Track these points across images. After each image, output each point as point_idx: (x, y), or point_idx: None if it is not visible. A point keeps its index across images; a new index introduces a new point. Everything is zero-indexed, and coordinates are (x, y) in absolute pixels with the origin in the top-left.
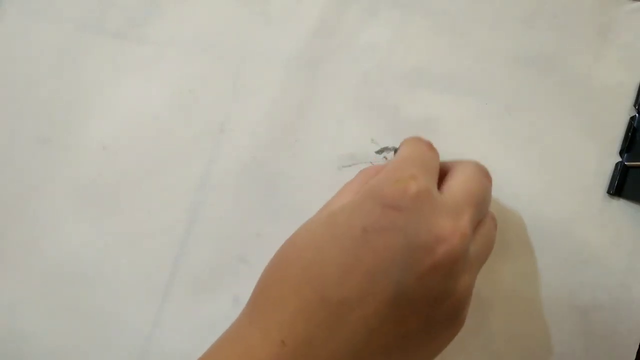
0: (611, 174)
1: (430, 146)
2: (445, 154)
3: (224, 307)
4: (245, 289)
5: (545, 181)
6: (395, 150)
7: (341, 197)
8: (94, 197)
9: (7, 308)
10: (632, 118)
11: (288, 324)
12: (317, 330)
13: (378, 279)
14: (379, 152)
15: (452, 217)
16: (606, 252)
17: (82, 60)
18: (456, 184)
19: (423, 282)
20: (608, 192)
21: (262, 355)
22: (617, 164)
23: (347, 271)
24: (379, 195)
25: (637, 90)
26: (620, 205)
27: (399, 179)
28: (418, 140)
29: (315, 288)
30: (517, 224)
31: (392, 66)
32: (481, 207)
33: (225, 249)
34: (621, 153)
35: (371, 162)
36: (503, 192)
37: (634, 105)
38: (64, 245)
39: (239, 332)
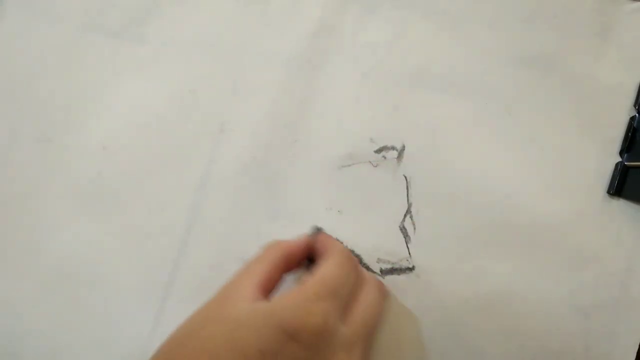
0: (611, 174)
1: (355, 269)
2: (445, 154)
3: None
4: None
5: (545, 181)
6: (395, 149)
7: (245, 285)
8: (94, 197)
9: (7, 308)
10: (632, 118)
11: None
12: None
13: None
14: (378, 151)
15: (345, 356)
16: (606, 252)
17: (82, 60)
18: (360, 311)
19: None
20: (608, 192)
21: None
22: (617, 164)
23: None
24: (284, 320)
25: (637, 90)
26: (620, 205)
27: (309, 312)
28: (347, 257)
29: None
30: (517, 224)
31: (392, 66)
32: (373, 333)
33: (225, 249)
34: (621, 153)
35: (370, 162)
36: (503, 192)
37: (634, 105)
38: (64, 245)
39: None
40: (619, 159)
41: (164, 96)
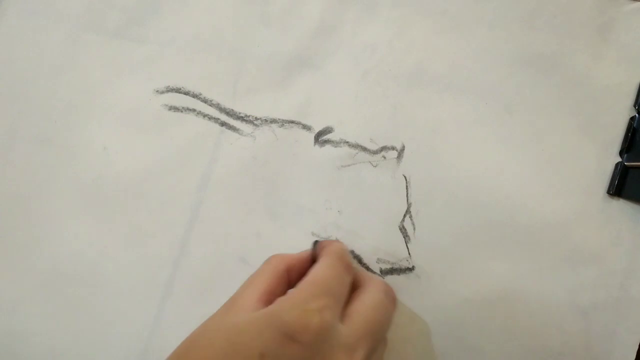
0: (611, 174)
1: (348, 268)
2: (445, 154)
3: None
4: None
5: (545, 181)
6: (395, 149)
7: (247, 296)
8: (94, 198)
9: (7, 308)
10: (632, 118)
11: None
12: None
13: None
14: (378, 151)
15: (348, 355)
16: (606, 252)
17: (82, 60)
18: (361, 310)
19: None
20: (608, 192)
21: None
22: (617, 164)
23: None
24: (282, 322)
25: (637, 90)
26: (620, 205)
27: (306, 310)
28: (338, 258)
29: None
30: (517, 224)
31: (392, 66)
32: (379, 337)
33: (225, 249)
34: (621, 153)
35: (370, 162)
36: (503, 192)
37: (634, 106)
38: (64, 246)
39: None
40: (619, 159)
41: (164, 96)
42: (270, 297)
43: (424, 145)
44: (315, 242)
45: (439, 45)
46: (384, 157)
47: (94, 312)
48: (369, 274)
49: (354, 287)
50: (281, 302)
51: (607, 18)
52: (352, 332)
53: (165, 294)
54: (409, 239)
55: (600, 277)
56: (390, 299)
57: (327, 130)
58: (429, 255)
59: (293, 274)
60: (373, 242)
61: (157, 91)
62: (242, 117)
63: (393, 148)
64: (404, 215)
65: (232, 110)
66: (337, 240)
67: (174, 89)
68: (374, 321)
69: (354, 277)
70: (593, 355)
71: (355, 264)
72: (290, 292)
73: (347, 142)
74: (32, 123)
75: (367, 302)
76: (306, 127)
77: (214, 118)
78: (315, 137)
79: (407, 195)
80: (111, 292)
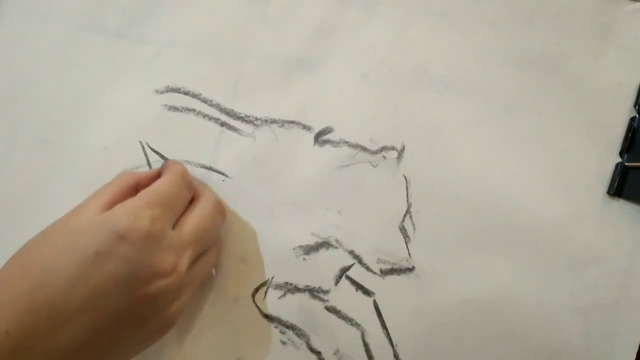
0: (611, 175)
1: (188, 186)
2: (445, 155)
3: (224, 307)
4: (245, 289)
5: (545, 181)
6: (395, 149)
7: (91, 204)
8: None
9: None
10: (632, 119)
11: (15, 318)
12: (40, 326)
13: (100, 295)
14: (378, 151)
15: (174, 256)
16: (606, 252)
17: (82, 60)
18: (191, 220)
19: (136, 305)
20: (608, 192)
21: None
22: (617, 165)
23: (76, 285)
24: (117, 225)
25: (637, 90)
26: (620, 206)
27: (138, 216)
28: (179, 176)
29: (46, 293)
30: (517, 224)
31: (392, 66)
32: (205, 242)
33: (225, 249)
34: (621, 154)
35: (370, 162)
36: (503, 192)
37: (634, 106)
38: None
39: None
40: (619, 160)
41: (164, 96)
42: (113, 206)
43: (424, 145)
44: (164, 163)
45: (439, 45)
46: (384, 157)
47: None
48: (205, 190)
49: (193, 202)
50: (117, 207)
51: (607, 18)
52: (181, 237)
53: None
54: (409, 239)
55: (600, 277)
56: (219, 211)
57: (327, 131)
58: (429, 255)
59: (141, 189)
60: (373, 242)
61: (157, 91)
62: (242, 117)
63: (393, 148)
64: (404, 216)
65: (232, 110)
66: (179, 162)
67: (174, 89)
68: (200, 229)
69: (194, 194)
70: (593, 356)
71: (195, 182)
72: (128, 200)
73: (347, 142)
74: (32, 123)
75: (197, 213)
76: (306, 127)
77: (214, 118)
78: (315, 137)
79: (407, 195)
80: None
